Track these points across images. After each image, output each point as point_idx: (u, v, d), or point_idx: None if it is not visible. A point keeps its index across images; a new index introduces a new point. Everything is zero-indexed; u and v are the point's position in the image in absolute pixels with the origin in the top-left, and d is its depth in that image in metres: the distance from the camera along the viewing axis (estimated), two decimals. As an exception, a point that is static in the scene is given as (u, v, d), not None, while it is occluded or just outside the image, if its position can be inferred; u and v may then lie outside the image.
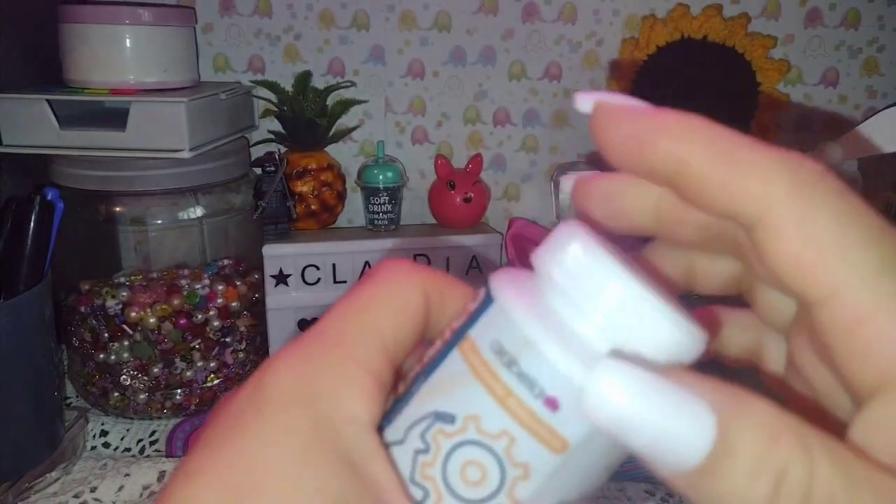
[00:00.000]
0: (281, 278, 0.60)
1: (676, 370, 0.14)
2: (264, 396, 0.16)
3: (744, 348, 0.20)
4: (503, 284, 0.17)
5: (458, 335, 0.17)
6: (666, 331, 0.15)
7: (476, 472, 0.16)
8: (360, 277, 0.62)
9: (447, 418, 0.16)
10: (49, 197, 0.47)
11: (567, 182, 0.62)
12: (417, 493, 0.16)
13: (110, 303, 0.54)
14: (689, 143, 0.15)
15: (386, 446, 0.17)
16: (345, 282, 0.61)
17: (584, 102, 0.17)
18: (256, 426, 0.16)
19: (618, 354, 0.15)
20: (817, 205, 0.13)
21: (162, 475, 0.48)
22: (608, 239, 0.17)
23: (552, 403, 0.15)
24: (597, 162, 0.70)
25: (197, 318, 0.56)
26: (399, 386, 0.18)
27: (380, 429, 0.17)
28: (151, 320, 0.54)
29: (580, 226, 0.16)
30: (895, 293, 0.13)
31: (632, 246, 0.19)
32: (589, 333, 0.15)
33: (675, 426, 0.13)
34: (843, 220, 0.13)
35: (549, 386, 0.15)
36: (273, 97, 0.66)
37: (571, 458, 0.15)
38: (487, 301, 0.17)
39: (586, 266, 0.16)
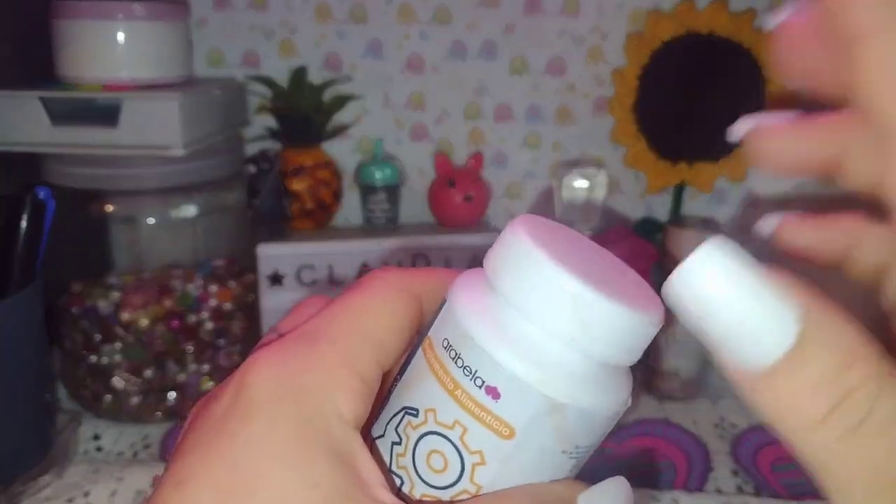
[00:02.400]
0: (276, 279, 0.59)
1: (774, 270, 0.14)
2: (249, 396, 0.16)
3: (873, 268, 0.18)
4: (457, 285, 0.18)
5: (422, 335, 0.18)
6: (594, 320, 0.16)
7: (439, 459, 0.17)
8: (356, 278, 0.61)
9: (413, 412, 0.18)
10: (41, 196, 0.46)
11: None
12: (396, 482, 0.18)
13: (102, 304, 0.54)
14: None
15: (372, 440, 0.18)
16: (342, 282, 0.60)
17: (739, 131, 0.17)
18: (244, 426, 0.16)
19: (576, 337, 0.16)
20: None
21: (155, 480, 0.48)
22: (563, 231, 0.18)
23: (493, 392, 0.16)
24: (600, 162, 0.69)
25: (190, 319, 0.55)
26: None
27: (370, 426, 0.19)
28: (144, 322, 0.53)
29: (524, 221, 0.17)
30: None
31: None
32: (523, 326, 0.16)
33: (759, 321, 0.13)
34: None
35: (488, 376, 0.16)
36: (268, 93, 0.65)
37: (523, 442, 0.16)
38: (443, 302, 0.18)
39: (514, 260, 0.17)
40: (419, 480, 0.17)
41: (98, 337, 0.54)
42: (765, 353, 0.13)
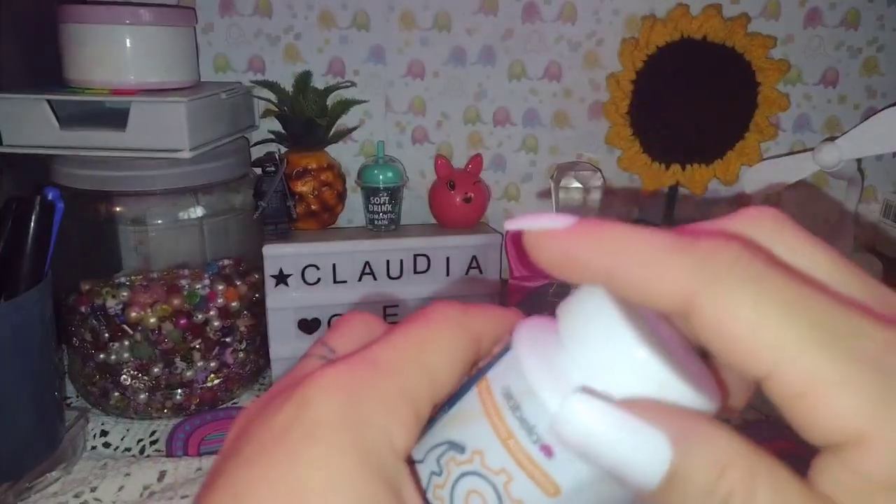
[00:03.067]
0: (281, 278, 0.60)
1: (643, 403, 0.15)
2: (314, 416, 0.16)
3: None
4: (523, 334, 0.18)
5: (479, 375, 0.18)
6: (661, 391, 0.16)
7: (478, 500, 0.17)
8: (360, 278, 0.62)
9: (458, 448, 0.18)
10: (49, 197, 0.47)
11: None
12: None
13: (111, 303, 0.54)
14: (611, 254, 0.16)
15: (409, 463, 0.18)
16: (345, 282, 0.61)
17: (514, 225, 0.18)
18: (307, 447, 0.16)
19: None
20: (737, 288, 0.14)
21: (162, 475, 0.48)
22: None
23: (547, 450, 0.16)
24: (595, 165, 0.70)
25: (197, 318, 0.56)
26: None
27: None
28: (152, 320, 0.54)
29: (589, 293, 0.17)
30: (829, 360, 0.13)
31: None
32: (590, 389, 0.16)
33: (633, 453, 0.15)
34: (766, 299, 0.14)
35: (545, 434, 0.16)
36: (273, 97, 0.66)
37: (565, 502, 0.16)
38: (507, 348, 0.18)
39: (590, 324, 0.17)
40: None
41: (106, 335, 0.55)
42: (648, 477, 0.15)
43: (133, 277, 0.56)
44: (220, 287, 0.57)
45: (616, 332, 0.16)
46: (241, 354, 0.59)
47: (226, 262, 0.60)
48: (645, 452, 0.15)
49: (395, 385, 0.17)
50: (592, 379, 0.16)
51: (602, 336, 0.16)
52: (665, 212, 0.71)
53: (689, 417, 0.15)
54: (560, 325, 0.18)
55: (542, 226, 0.17)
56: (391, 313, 0.63)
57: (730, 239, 0.15)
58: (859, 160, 0.65)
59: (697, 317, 0.15)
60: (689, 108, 0.68)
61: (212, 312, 0.56)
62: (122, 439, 0.53)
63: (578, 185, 0.63)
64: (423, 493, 0.18)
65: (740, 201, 0.73)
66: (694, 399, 0.16)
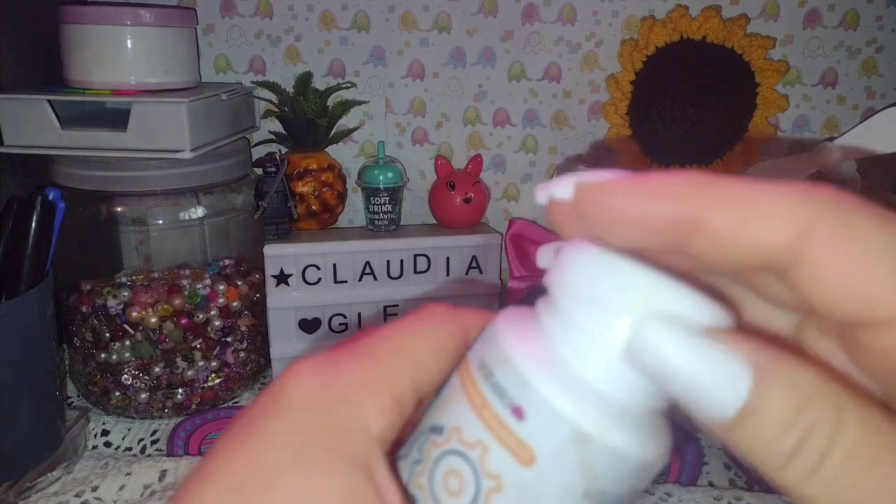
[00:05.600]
0: (282, 278, 0.60)
1: (722, 330, 0.14)
2: (284, 397, 0.17)
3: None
4: (503, 314, 0.18)
5: (461, 360, 0.18)
6: (680, 311, 0.15)
7: (455, 481, 0.16)
8: (360, 278, 0.62)
9: (438, 430, 0.17)
10: (50, 197, 0.47)
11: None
12: (413, 501, 0.17)
13: (112, 302, 0.54)
14: (692, 203, 0.14)
15: (396, 459, 0.18)
16: (345, 282, 0.61)
17: (561, 189, 0.16)
18: (272, 426, 0.16)
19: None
20: (859, 231, 0.13)
21: (163, 474, 0.48)
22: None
23: (518, 412, 0.15)
24: (595, 162, 0.70)
25: (198, 317, 0.56)
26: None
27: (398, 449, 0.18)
28: (153, 320, 0.54)
29: (584, 245, 0.16)
30: None
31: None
32: (564, 352, 0.16)
33: (713, 381, 0.14)
34: (885, 237, 0.13)
35: (517, 395, 0.16)
36: (274, 98, 0.66)
37: (543, 473, 0.15)
38: (485, 329, 0.18)
39: (591, 265, 0.16)
40: (433, 502, 0.17)
41: (107, 335, 0.55)
42: (726, 406, 0.14)
43: (134, 277, 0.57)
44: (221, 287, 0.57)
45: (620, 263, 0.15)
46: (242, 354, 0.59)
47: (227, 261, 0.60)
48: (723, 381, 0.14)
49: (373, 368, 0.17)
50: (579, 335, 0.16)
51: (608, 270, 0.15)
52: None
53: (772, 350, 0.14)
54: (552, 281, 0.17)
55: (594, 178, 0.15)
56: (391, 313, 0.63)
57: (817, 185, 0.14)
58: (858, 161, 0.65)
59: (807, 260, 0.13)
60: (689, 110, 0.68)
61: (213, 312, 0.56)
62: (123, 439, 0.53)
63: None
64: (405, 487, 0.17)
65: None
66: (715, 316, 0.15)
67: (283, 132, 0.66)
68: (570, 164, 0.64)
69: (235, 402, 0.59)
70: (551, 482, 0.15)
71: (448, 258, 0.63)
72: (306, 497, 0.15)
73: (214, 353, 0.57)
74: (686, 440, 0.54)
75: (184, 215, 0.56)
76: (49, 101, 0.53)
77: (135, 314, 0.54)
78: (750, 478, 0.50)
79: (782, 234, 0.13)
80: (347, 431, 0.16)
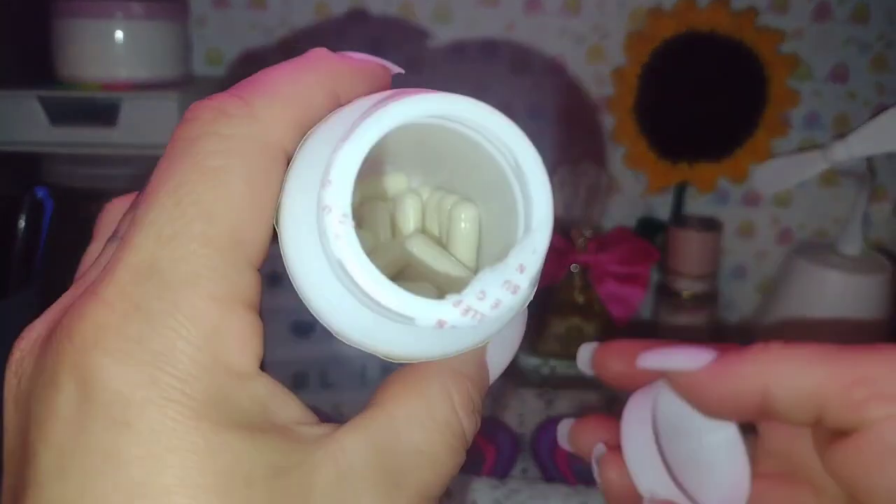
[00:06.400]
0: (274, 279, 0.58)
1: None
2: (105, 398, 0.12)
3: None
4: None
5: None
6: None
7: None
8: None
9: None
10: (39, 195, 0.45)
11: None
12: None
13: (102, 304, 0.53)
14: (776, 364, 0.17)
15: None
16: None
17: (649, 363, 0.19)
18: (121, 441, 0.12)
19: None
20: None
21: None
22: None
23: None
24: (601, 160, 0.69)
25: (191, 319, 0.54)
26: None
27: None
28: (144, 322, 0.53)
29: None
30: None
31: None
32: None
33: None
34: None
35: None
36: (269, 92, 0.64)
37: None
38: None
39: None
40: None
41: (98, 338, 0.54)
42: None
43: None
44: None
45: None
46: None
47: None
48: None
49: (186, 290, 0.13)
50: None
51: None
52: (673, 210, 0.70)
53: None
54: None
55: (679, 366, 0.18)
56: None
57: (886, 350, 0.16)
58: (870, 158, 0.63)
59: (863, 436, 0.15)
60: (697, 104, 0.67)
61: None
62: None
63: (583, 182, 0.62)
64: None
65: (750, 200, 0.72)
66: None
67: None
68: (576, 162, 0.63)
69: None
70: None
71: (448, 258, 0.62)
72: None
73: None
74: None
75: (176, 214, 0.55)
76: (38, 96, 0.52)
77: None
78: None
79: (838, 408, 0.16)
80: (215, 403, 0.13)
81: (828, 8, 0.68)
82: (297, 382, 0.58)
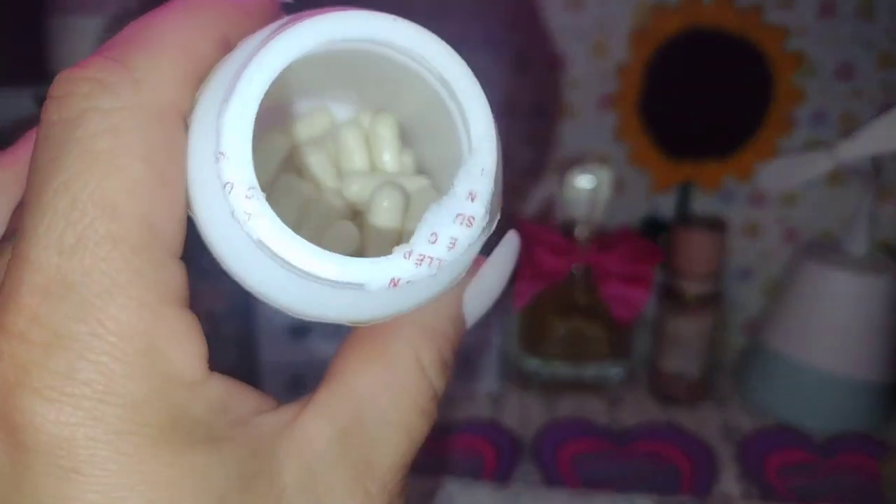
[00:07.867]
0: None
1: None
2: (37, 446, 0.11)
3: None
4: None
5: None
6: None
7: None
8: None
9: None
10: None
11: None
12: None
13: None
14: None
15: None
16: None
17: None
18: (62, 488, 0.10)
19: None
20: None
21: None
22: None
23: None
24: (604, 157, 0.68)
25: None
26: None
27: None
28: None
29: None
30: None
31: None
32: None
33: None
34: None
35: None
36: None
37: None
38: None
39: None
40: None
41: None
42: None
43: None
44: (207, 289, 0.55)
45: None
46: (230, 360, 0.57)
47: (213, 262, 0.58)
48: None
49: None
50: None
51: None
52: (678, 209, 0.69)
53: None
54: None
55: None
56: (390, 315, 0.61)
57: None
58: (876, 157, 0.62)
59: None
60: (702, 101, 0.66)
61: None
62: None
63: (586, 181, 0.61)
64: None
65: (755, 199, 0.71)
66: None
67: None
68: (578, 160, 0.62)
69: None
70: None
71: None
72: None
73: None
74: (700, 451, 0.52)
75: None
76: (34, 94, 0.52)
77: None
78: (763, 489, 0.48)
79: None
80: (175, 411, 0.12)
81: (832, 4, 0.67)
82: (295, 384, 0.58)
